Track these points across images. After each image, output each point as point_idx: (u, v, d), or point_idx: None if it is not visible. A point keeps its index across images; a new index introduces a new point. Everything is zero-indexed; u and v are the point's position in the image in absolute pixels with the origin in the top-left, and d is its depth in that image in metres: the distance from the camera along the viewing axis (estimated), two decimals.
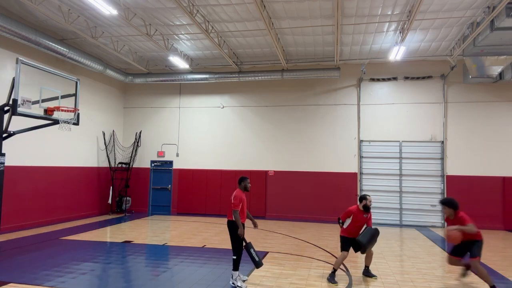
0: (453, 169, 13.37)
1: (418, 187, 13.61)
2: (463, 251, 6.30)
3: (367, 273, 6.97)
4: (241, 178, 6.54)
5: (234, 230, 6.19)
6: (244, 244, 6.26)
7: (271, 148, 14.92)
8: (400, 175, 13.77)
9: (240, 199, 6.24)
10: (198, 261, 7.80)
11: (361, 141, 14.17)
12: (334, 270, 6.66)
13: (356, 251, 6.76)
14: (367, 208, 6.73)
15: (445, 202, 6.34)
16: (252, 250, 6.27)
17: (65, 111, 8.49)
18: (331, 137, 14.41)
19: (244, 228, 6.25)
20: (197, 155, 15.53)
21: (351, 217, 6.76)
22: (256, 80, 14.64)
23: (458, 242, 6.11)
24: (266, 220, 13.98)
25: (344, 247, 6.73)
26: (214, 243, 9.69)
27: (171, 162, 15.80)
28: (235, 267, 6.20)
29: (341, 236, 6.84)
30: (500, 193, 12.93)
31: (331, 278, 6.54)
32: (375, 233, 6.72)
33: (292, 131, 14.78)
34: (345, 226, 6.80)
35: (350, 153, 14.18)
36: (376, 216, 12.92)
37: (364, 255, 6.98)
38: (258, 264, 6.30)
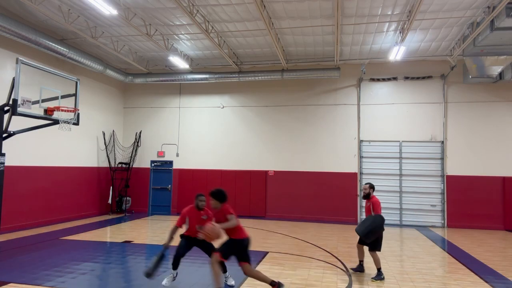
0: (453, 169, 13.36)
1: (418, 187, 13.61)
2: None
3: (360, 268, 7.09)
4: (196, 195, 6.49)
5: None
6: (163, 251, 6.05)
7: (271, 148, 14.91)
8: (400, 175, 13.76)
9: (183, 217, 6.24)
10: (198, 261, 7.79)
11: (361, 141, 14.17)
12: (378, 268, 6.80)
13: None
14: (363, 196, 7.01)
15: (211, 193, 5.67)
16: (157, 259, 5.95)
17: (65, 111, 8.49)
18: (331, 137, 14.40)
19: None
20: (197, 155, 15.53)
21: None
22: (256, 80, 14.64)
23: (216, 239, 5.41)
24: (266, 220, 13.98)
25: None
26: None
27: (171, 162, 15.80)
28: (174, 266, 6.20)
29: None
30: (500, 193, 12.93)
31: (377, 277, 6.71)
32: (372, 221, 6.61)
33: (292, 131, 14.78)
34: None
35: (350, 153, 14.18)
36: None
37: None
38: (148, 274, 5.88)
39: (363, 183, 13.89)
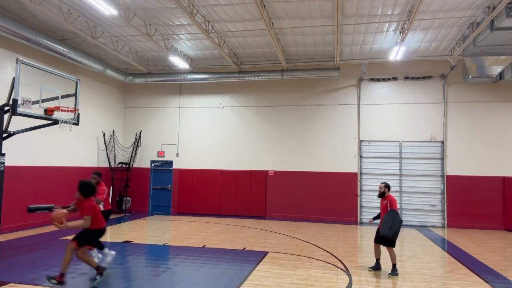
0: (453, 169, 13.36)
1: (418, 187, 13.61)
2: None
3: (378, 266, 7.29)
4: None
5: None
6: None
7: (271, 148, 14.91)
8: (400, 175, 13.76)
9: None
10: (198, 261, 7.80)
11: (361, 141, 14.17)
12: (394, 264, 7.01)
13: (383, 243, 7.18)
14: (379, 194, 7.33)
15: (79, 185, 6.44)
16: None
17: (65, 111, 8.48)
18: (331, 137, 14.40)
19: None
20: (197, 155, 15.53)
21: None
22: (256, 80, 14.64)
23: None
24: (266, 220, 13.98)
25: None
26: (214, 243, 9.69)
27: (171, 162, 15.80)
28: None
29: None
30: (500, 193, 12.93)
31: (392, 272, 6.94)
32: (391, 219, 6.95)
33: (292, 131, 14.78)
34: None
35: (350, 153, 14.18)
36: None
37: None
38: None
39: (363, 183, 13.98)
